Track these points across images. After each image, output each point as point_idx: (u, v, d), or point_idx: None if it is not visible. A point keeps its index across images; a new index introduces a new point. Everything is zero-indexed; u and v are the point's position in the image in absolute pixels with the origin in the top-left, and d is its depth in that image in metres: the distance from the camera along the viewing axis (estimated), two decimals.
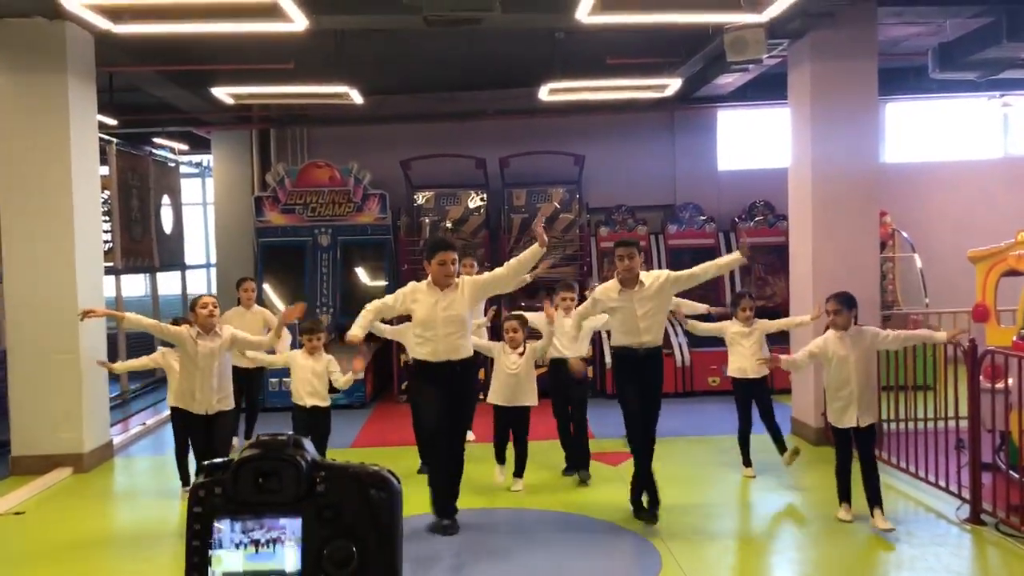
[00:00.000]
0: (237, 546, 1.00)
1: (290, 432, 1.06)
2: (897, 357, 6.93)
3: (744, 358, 6.90)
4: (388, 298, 5.90)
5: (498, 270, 5.94)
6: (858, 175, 7.91)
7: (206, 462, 1.04)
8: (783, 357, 6.14)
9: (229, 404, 6.42)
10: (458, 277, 5.73)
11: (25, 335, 7.55)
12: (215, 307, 6.22)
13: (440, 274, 5.59)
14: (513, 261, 5.82)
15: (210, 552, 1.00)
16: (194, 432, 6.37)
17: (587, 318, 6.45)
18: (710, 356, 10.30)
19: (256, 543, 1.00)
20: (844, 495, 5.89)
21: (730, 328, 7.04)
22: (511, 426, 6.65)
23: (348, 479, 1.01)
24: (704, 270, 5.94)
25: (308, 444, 1.03)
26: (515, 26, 8.07)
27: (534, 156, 11.69)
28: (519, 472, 6.76)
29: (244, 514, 1.01)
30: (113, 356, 9.38)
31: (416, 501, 5.79)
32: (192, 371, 6.18)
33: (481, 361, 6.96)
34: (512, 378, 6.53)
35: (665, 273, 5.95)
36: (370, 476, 1.01)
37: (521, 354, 6.56)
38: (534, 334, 6.88)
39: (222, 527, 1.01)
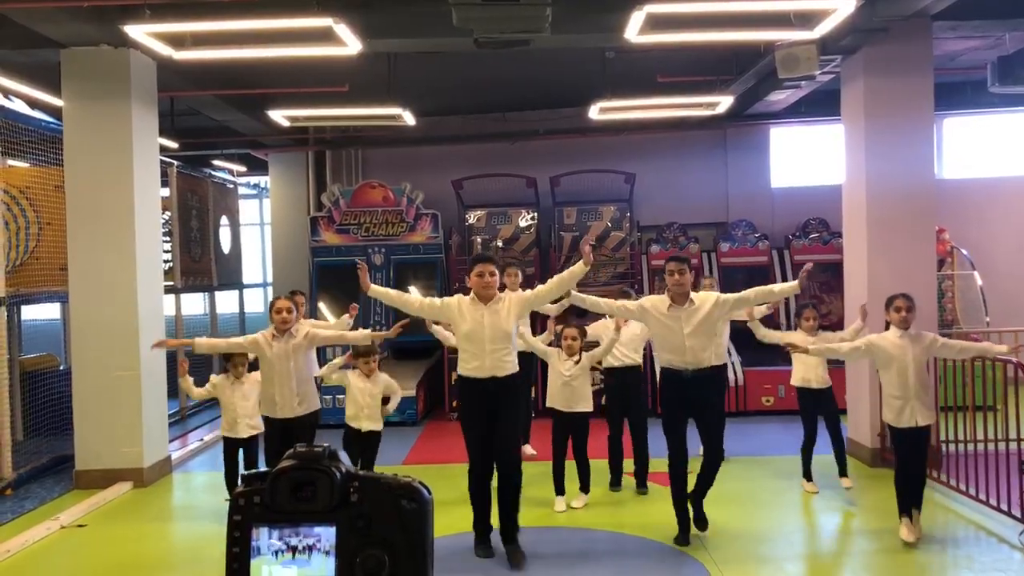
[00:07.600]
0: (274, 553, 1.04)
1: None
2: (956, 376, 6.77)
3: (809, 368, 6.84)
4: (429, 299, 5.87)
5: (541, 286, 5.91)
6: (914, 192, 7.78)
7: (247, 472, 1.08)
8: (811, 345, 6.06)
9: (311, 407, 6.31)
10: (502, 292, 5.75)
11: (89, 352, 7.77)
12: (289, 312, 6.21)
13: (478, 286, 5.61)
14: (556, 277, 5.78)
15: (249, 558, 1.04)
16: (272, 441, 6.25)
17: (622, 311, 6.04)
18: (764, 375, 10.19)
19: (293, 550, 1.04)
20: (905, 508, 5.73)
21: (795, 337, 6.96)
22: (569, 432, 6.69)
23: (381, 490, 1.05)
24: (756, 294, 5.86)
25: (343, 455, 1.07)
26: (565, 46, 8.12)
27: (585, 175, 11.73)
28: (584, 487, 6.78)
29: (281, 522, 1.05)
30: (174, 373, 9.59)
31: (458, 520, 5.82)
32: (271, 375, 6.18)
33: (532, 378, 6.97)
34: (567, 385, 6.61)
35: (715, 295, 5.90)
36: (402, 487, 1.05)
37: (577, 362, 6.61)
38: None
39: (260, 534, 1.05)
